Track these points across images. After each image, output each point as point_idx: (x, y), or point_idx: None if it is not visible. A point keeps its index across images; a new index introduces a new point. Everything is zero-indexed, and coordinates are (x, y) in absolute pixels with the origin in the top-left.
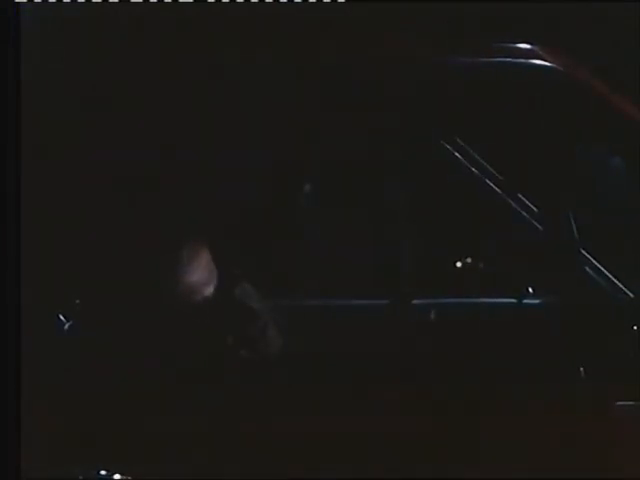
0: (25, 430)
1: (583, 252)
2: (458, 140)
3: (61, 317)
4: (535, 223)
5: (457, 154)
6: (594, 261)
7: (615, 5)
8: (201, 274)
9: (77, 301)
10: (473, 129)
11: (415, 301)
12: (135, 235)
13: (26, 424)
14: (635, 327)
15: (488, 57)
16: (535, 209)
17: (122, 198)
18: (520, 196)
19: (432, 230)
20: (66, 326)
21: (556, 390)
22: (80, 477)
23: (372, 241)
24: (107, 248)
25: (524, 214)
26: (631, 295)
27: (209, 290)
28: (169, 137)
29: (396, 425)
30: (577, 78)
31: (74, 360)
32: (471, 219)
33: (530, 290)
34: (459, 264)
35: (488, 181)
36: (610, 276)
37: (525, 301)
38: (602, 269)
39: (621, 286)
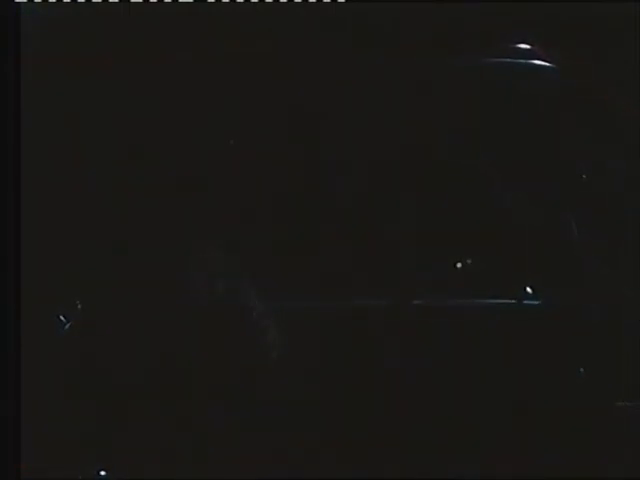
0: (25, 430)
1: (583, 252)
2: (457, 140)
3: (61, 317)
4: (535, 223)
5: (456, 153)
6: (594, 261)
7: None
8: (202, 275)
9: (77, 301)
10: (473, 129)
11: (415, 301)
12: (135, 236)
13: (26, 424)
14: (635, 327)
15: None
16: (535, 209)
17: (122, 198)
18: (520, 195)
19: (432, 230)
20: (66, 326)
21: (556, 390)
22: (80, 477)
23: (372, 241)
24: (107, 249)
25: (524, 213)
26: (630, 295)
27: (210, 290)
28: (165, 137)
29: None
30: (578, 78)
31: (74, 360)
32: (471, 219)
33: (530, 290)
34: (459, 264)
35: (488, 181)
36: (610, 276)
37: (525, 301)
38: (602, 269)
39: (620, 286)
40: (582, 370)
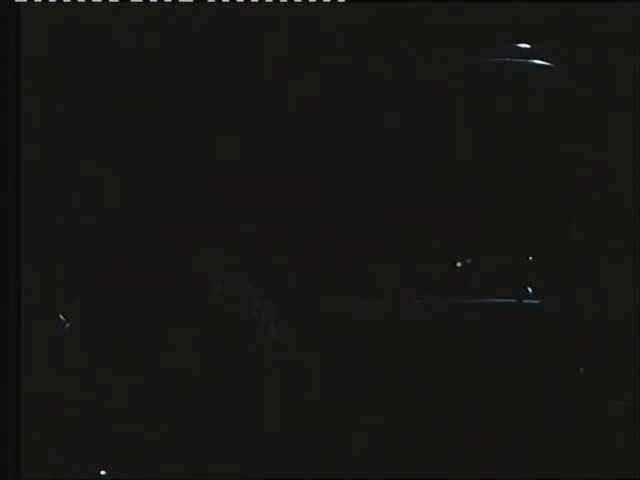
0: (25, 430)
1: (583, 253)
2: (458, 139)
3: (61, 317)
4: (535, 223)
5: (456, 153)
6: (594, 261)
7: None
8: (202, 274)
9: (77, 301)
10: (473, 127)
11: (416, 301)
12: (135, 235)
13: (26, 424)
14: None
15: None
16: (535, 209)
17: (122, 198)
18: (520, 196)
19: (432, 230)
20: (66, 326)
21: (556, 389)
22: (80, 477)
23: (372, 241)
24: (107, 248)
25: (524, 214)
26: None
27: (210, 290)
28: (167, 137)
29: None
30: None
31: (74, 360)
32: (472, 219)
33: (530, 290)
34: (459, 264)
35: (488, 180)
36: (609, 277)
37: (525, 301)
38: (602, 270)
39: (620, 287)
40: (582, 370)
